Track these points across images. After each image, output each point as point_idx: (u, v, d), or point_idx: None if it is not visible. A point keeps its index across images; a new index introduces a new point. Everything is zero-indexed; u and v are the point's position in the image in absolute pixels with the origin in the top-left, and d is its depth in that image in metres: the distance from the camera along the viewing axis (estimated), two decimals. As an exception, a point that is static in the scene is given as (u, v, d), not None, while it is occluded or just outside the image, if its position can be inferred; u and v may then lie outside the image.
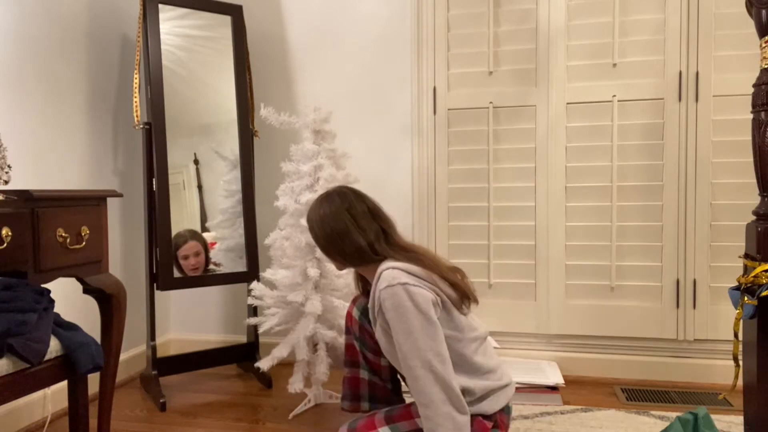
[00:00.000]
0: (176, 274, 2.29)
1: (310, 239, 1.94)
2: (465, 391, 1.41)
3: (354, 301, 1.68)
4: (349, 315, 1.67)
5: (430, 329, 1.36)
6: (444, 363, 1.35)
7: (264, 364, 2.07)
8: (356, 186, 2.34)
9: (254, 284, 2.13)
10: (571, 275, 2.43)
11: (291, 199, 2.07)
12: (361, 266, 1.55)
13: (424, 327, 1.35)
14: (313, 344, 2.05)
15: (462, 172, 2.50)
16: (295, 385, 2.02)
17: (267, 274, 2.07)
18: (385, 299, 1.38)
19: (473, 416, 1.42)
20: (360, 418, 1.52)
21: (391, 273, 1.40)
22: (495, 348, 2.32)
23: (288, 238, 2.05)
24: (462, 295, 1.46)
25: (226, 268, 2.41)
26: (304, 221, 1.94)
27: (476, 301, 1.52)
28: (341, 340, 2.00)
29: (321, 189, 1.97)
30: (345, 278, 2.03)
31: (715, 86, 2.27)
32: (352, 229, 1.48)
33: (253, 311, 2.40)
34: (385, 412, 1.51)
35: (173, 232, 2.28)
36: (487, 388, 1.45)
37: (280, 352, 2.03)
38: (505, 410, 1.52)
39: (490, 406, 1.45)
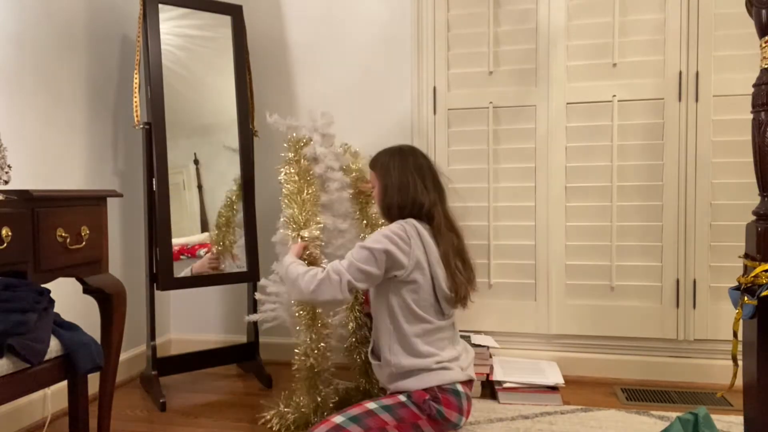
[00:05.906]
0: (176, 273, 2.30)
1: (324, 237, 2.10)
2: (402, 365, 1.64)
3: None
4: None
5: (370, 254, 1.61)
6: (340, 274, 1.61)
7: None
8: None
9: (264, 281, 2.18)
10: (571, 275, 2.43)
11: None
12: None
13: (371, 247, 1.61)
14: None
15: (462, 172, 2.49)
16: None
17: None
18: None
19: (403, 392, 1.63)
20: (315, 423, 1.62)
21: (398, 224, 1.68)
22: (494, 348, 2.32)
23: None
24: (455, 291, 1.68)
25: (244, 265, 2.42)
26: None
27: (462, 302, 1.70)
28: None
29: (333, 190, 2.09)
30: None
31: (715, 86, 2.27)
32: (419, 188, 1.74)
33: (254, 308, 2.41)
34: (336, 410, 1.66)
35: (173, 232, 2.27)
36: (416, 366, 1.62)
37: None
38: (451, 392, 1.61)
39: (414, 384, 1.62)
